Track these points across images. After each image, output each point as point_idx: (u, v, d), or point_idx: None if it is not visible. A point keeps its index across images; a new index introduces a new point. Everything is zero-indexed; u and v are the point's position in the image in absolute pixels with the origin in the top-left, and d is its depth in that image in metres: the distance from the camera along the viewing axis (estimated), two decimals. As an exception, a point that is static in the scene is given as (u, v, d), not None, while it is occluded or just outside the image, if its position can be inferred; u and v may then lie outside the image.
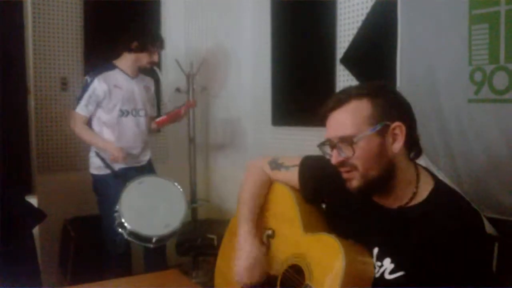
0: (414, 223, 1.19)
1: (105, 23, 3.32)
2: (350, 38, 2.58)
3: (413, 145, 1.24)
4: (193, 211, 3.56)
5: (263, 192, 1.56)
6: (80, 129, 2.80)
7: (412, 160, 1.25)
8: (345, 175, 1.23)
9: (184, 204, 2.51)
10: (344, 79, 2.64)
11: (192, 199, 3.56)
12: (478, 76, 1.92)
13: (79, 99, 2.77)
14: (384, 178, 1.20)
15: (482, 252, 1.17)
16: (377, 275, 1.22)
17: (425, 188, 1.21)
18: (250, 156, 3.48)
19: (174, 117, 3.05)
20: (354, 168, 1.20)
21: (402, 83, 2.25)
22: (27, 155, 2.82)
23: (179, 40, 3.75)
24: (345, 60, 2.62)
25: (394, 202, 1.23)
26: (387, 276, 1.20)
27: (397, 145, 1.18)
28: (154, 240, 2.36)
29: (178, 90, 3.57)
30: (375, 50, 2.43)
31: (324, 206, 1.49)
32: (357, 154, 1.17)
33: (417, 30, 2.16)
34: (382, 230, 1.24)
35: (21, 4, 2.77)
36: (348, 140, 1.17)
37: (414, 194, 1.21)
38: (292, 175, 1.49)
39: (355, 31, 2.54)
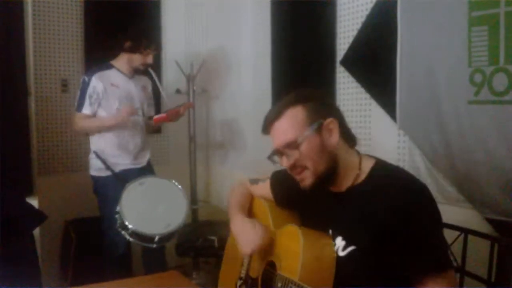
0: (359, 199, 1.31)
1: (106, 24, 3.32)
2: (350, 40, 2.58)
3: (347, 136, 1.38)
4: (193, 212, 3.56)
5: (246, 199, 1.72)
6: (86, 123, 2.81)
7: (353, 147, 1.40)
8: (298, 177, 1.35)
9: (185, 203, 2.52)
10: (344, 80, 2.64)
11: (193, 201, 3.57)
12: (477, 78, 1.92)
13: (81, 100, 2.77)
14: (331, 169, 1.33)
15: (425, 212, 1.24)
16: None
17: (367, 167, 1.35)
18: (250, 157, 3.49)
19: (173, 116, 3.04)
20: (304, 167, 1.33)
21: (402, 85, 2.25)
22: (28, 157, 2.82)
23: (179, 42, 3.75)
24: (345, 62, 2.63)
25: (341, 185, 1.36)
26: (341, 253, 1.31)
27: (334, 138, 1.32)
28: (156, 239, 2.36)
29: (178, 91, 3.57)
30: (375, 52, 2.43)
31: (297, 210, 1.59)
32: (304, 154, 1.30)
33: (416, 32, 2.16)
34: (333, 213, 1.37)
35: (21, 5, 2.77)
36: (292, 144, 1.31)
37: (358, 175, 1.34)
38: (267, 187, 1.67)
39: (355, 33, 2.55)
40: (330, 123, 1.32)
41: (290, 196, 1.55)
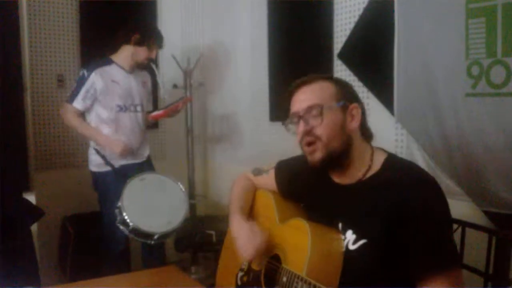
0: (371, 192, 1.29)
1: (101, 19, 3.31)
2: (347, 33, 2.57)
3: (364, 129, 1.39)
4: (191, 207, 3.56)
5: (248, 193, 1.70)
6: (77, 123, 2.79)
7: (367, 141, 1.39)
8: (308, 149, 1.33)
9: (185, 201, 2.52)
10: (341, 74, 2.63)
11: (191, 195, 3.56)
12: (475, 70, 1.92)
13: (75, 92, 2.75)
14: (343, 151, 1.32)
15: (437, 207, 1.23)
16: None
17: (379, 160, 1.34)
18: (248, 152, 3.49)
19: (171, 112, 3.04)
20: (317, 138, 1.31)
21: (399, 78, 2.24)
22: (24, 152, 2.82)
23: (176, 36, 3.74)
24: (343, 55, 2.62)
25: (352, 178, 1.35)
26: (351, 247, 1.29)
27: (355, 123, 1.33)
28: (156, 237, 2.36)
29: (175, 86, 3.56)
30: (372, 45, 2.42)
31: (302, 202, 1.58)
32: (324, 123, 1.30)
33: (413, 25, 2.15)
34: (343, 206, 1.35)
35: (16, 1, 2.75)
36: (317, 109, 1.30)
37: (369, 166, 1.33)
38: (271, 177, 1.64)
39: (352, 26, 2.54)
40: (354, 108, 1.34)
41: (295, 187, 1.54)
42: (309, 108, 1.31)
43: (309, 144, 1.33)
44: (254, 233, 1.47)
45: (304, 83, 1.37)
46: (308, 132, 1.32)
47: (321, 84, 1.35)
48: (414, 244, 1.19)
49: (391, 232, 1.21)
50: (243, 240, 1.47)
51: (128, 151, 2.83)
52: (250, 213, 1.68)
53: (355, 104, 1.34)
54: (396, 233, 1.21)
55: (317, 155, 1.32)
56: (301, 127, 1.33)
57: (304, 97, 1.34)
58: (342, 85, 1.38)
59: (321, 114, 1.29)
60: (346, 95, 1.35)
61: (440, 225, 1.22)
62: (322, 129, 1.30)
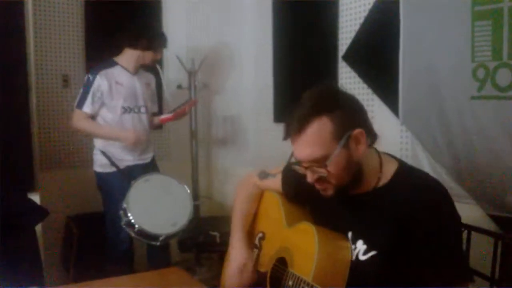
0: (382, 203, 1.26)
1: (106, 19, 3.32)
2: (353, 35, 2.56)
3: (369, 134, 1.27)
4: (195, 208, 3.54)
5: (252, 203, 1.69)
6: (88, 125, 2.80)
7: (372, 146, 1.31)
8: (319, 188, 1.29)
9: (189, 202, 2.53)
10: (346, 76, 2.63)
11: (194, 196, 3.56)
12: (480, 73, 1.91)
13: (82, 97, 2.75)
14: (355, 178, 1.27)
15: (448, 220, 1.22)
16: (352, 257, 1.29)
17: (389, 170, 1.30)
18: (252, 152, 3.48)
19: (179, 116, 3.06)
20: (328, 183, 1.27)
21: (404, 80, 2.24)
22: (29, 152, 2.82)
23: (181, 37, 3.74)
24: (347, 57, 2.61)
25: (362, 188, 1.31)
26: (361, 257, 1.26)
27: (362, 147, 1.24)
28: (161, 238, 2.36)
29: (179, 87, 3.57)
30: (378, 47, 2.42)
31: (308, 207, 1.57)
32: (332, 171, 1.23)
33: (419, 27, 2.15)
34: (353, 215, 1.32)
35: (21, 1, 2.76)
36: (320, 162, 1.22)
37: (380, 176, 1.29)
38: (278, 181, 1.61)
39: (357, 28, 2.53)
40: (358, 134, 1.22)
41: (303, 194, 1.51)
42: (312, 161, 1.23)
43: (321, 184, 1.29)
44: (244, 269, 1.54)
45: (300, 129, 1.21)
46: (318, 180, 1.27)
47: (317, 127, 1.20)
48: (424, 256, 1.18)
49: (401, 244, 1.20)
50: (232, 271, 1.55)
51: (140, 141, 2.84)
52: (256, 215, 1.69)
53: (357, 131, 1.22)
54: (406, 245, 1.19)
55: (329, 192, 1.29)
56: (309, 177, 1.26)
57: (304, 147, 1.23)
58: (338, 113, 1.21)
59: (325, 166, 1.21)
60: (345, 124, 1.21)
61: (449, 240, 1.20)
62: (330, 176, 1.24)
